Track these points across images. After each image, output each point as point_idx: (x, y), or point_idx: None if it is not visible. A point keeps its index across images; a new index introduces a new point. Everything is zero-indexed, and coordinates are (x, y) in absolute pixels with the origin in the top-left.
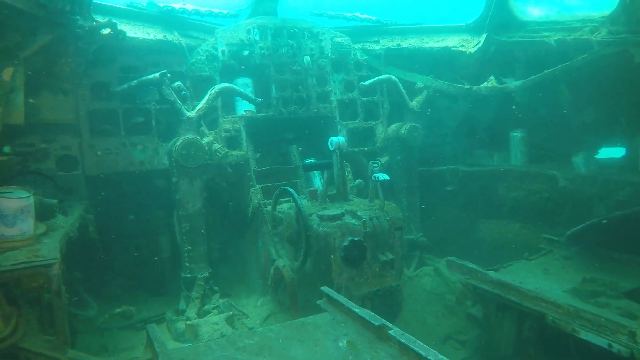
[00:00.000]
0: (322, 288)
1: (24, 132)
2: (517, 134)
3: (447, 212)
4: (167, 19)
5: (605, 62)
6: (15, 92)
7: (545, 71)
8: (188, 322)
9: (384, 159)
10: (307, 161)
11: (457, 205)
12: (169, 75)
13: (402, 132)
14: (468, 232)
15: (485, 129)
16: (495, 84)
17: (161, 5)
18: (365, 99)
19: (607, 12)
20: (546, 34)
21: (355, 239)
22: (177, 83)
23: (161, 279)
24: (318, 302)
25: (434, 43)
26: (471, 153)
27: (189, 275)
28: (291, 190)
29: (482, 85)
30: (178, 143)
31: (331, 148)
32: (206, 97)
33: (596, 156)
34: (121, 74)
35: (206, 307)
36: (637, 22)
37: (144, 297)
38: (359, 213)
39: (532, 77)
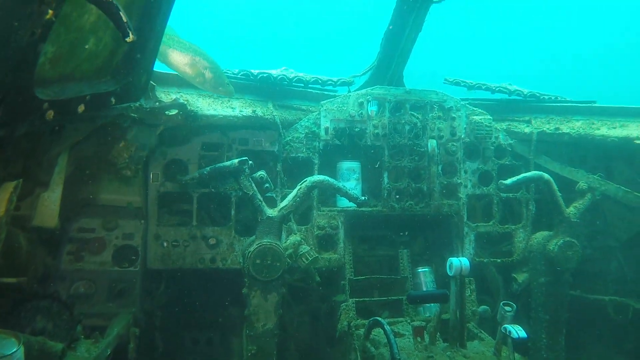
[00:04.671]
0: None
1: (84, 215)
2: None
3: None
4: (262, 87)
5: None
6: (50, 189)
7: None
8: None
9: (521, 277)
10: (412, 292)
11: (624, 354)
12: (250, 162)
13: (551, 248)
14: None
15: None
16: None
17: (256, 72)
18: (504, 195)
19: None
20: None
21: None
22: (260, 173)
23: None
24: None
25: (608, 129)
26: None
27: None
28: (387, 327)
29: None
30: (252, 249)
31: (450, 273)
32: (294, 194)
33: None
34: (203, 152)
35: None
36: None
37: None
38: None
39: None
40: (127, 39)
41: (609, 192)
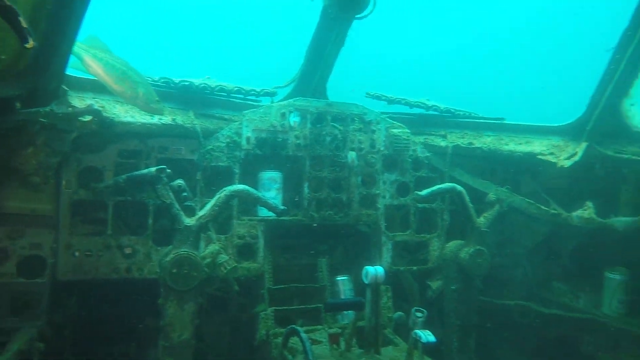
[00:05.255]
0: None
1: None
2: (615, 276)
3: None
4: (183, 96)
5: None
6: None
7: None
8: None
9: (436, 284)
10: (329, 300)
11: (526, 353)
12: (168, 171)
13: (462, 256)
14: None
15: (570, 256)
16: (594, 216)
17: (177, 81)
18: (420, 205)
19: None
20: None
21: None
22: (178, 182)
23: None
24: None
25: (515, 145)
26: (548, 285)
27: None
28: (303, 335)
29: (574, 213)
30: (168, 258)
31: (365, 281)
32: (213, 203)
33: None
34: (120, 159)
35: None
36: None
37: None
38: None
39: None
40: (27, 45)
41: (515, 203)
